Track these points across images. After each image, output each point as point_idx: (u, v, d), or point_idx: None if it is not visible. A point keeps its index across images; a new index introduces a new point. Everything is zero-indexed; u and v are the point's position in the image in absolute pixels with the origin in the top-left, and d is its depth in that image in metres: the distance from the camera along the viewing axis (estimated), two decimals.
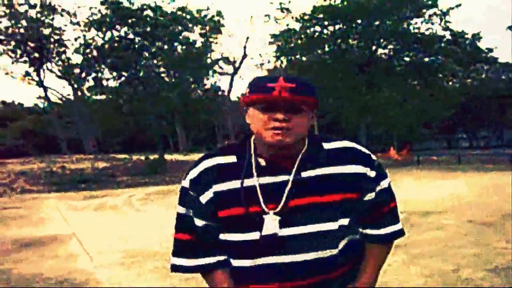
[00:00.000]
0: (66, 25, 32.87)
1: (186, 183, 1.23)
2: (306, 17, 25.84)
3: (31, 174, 20.09)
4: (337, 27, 26.21)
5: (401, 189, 10.93)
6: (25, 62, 29.87)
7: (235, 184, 1.16)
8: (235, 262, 1.21)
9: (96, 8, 26.09)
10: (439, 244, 5.14)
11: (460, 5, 25.36)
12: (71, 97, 33.09)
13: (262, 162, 1.18)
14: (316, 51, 27.54)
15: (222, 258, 1.23)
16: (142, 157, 29.72)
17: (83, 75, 30.38)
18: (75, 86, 31.25)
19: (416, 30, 26.49)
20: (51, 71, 30.67)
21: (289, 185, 1.14)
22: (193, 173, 1.22)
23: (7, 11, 27.58)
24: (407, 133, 32.31)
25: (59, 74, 30.75)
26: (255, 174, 1.16)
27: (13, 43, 28.77)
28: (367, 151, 1.24)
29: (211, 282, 1.24)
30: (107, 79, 31.13)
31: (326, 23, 25.93)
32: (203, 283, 1.28)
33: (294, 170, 1.15)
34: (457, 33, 26.55)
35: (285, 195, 1.13)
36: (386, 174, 1.26)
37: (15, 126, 36.05)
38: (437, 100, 28.17)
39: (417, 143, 35.59)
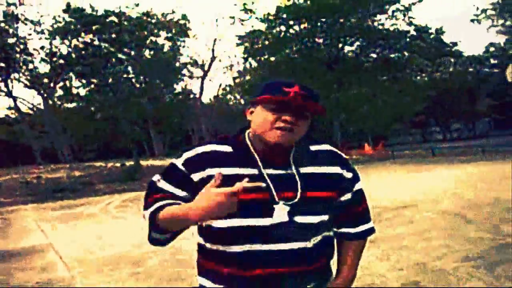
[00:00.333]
0: (30, 34, 32.35)
1: (178, 161, 1.25)
2: (270, 18, 25.89)
3: (6, 186, 19.78)
4: (302, 26, 26.32)
5: (376, 185, 11.06)
6: None
7: (234, 170, 1.19)
8: (221, 247, 1.22)
9: (59, 16, 25.81)
10: (412, 237, 5.19)
11: (421, 0, 25.65)
12: (42, 107, 32.70)
13: (258, 155, 1.23)
14: (284, 50, 27.61)
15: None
16: (118, 164, 29.43)
17: (52, 84, 30.09)
18: (45, 95, 30.91)
19: (380, 27, 26.72)
20: (19, 80, 30.31)
21: (297, 178, 1.21)
22: (189, 154, 1.25)
23: None
24: (380, 128, 32.61)
25: (27, 84, 30.38)
26: (260, 164, 1.21)
27: None
28: (344, 155, 1.35)
29: (166, 214, 1.19)
30: (77, 87, 30.93)
31: (291, 22, 26.02)
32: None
33: (293, 165, 1.23)
34: (421, 28, 26.86)
35: (299, 187, 1.20)
36: (360, 177, 1.38)
37: None
38: (407, 95, 28.46)
39: (391, 138, 35.94)
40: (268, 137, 1.18)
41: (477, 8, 32.60)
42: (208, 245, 1.26)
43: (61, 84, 29.83)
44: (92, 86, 29.67)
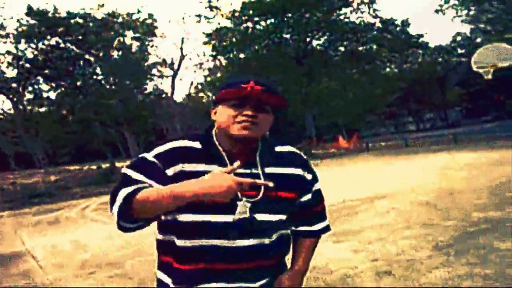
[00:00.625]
0: None
1: (149, 155, 1.25)
2: (236, 14, 25.86)
3: None
4: (268, 21, 26.34)
5: (350, 178, 11.24)
6: None
7: (204, 167, 1.23)
8: (181, 242, 1.24)
9: (23, 19, 25.39)
10: (385, 228, 5.27)
11: None
12: (12, 112, 32.25)
13: (225, 153, 1.27)
14: (253, 47, 27.62)
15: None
16: (94, 167, 29.21)
17: (20, 88, 29.65)
18: (14, 100, 30.46)
19: (346, 20, 26.87)
20: None
21: (262, 177, 1.25)
22: (161, 149, 1.26)
23: None
24: (353, 121, 32.88)
25: None
26: (228, 163, 1.24)
27: None
28: (304, 156, 1.41)
29: (148, 194, 1.13)
30: (47, 91, 30.54)
31: (257, 19, 26.03)
32: None
33: (259, 165, 1.28)
34: (386, 20, 27.07)
35: (262, 186, 1.23)
36: (318, 177, 1.44)
37: None
38: (377, 87, 28.72)
39: (365, 130, 36.26)
40: (232, 131, 1.22)
41: None
42: (167, 239, 1.28)
43: (29, 88, 29.42)
44: (62, 89, 29.32)
